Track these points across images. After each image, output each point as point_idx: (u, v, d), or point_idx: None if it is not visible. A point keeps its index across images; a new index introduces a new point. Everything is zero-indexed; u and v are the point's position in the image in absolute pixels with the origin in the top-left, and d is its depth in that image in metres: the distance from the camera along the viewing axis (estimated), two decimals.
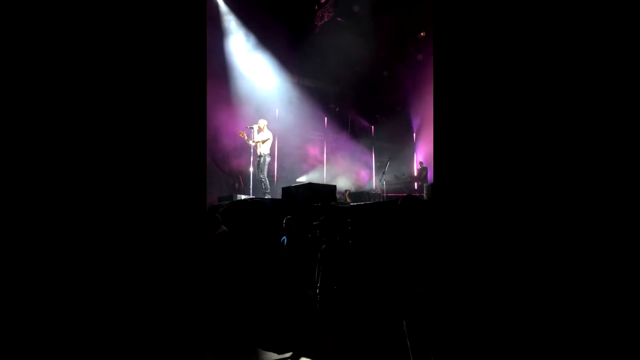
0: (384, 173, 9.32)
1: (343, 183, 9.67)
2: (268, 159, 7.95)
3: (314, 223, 4.68)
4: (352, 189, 9.58)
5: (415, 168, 9.95)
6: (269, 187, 7.98)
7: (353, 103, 12.43)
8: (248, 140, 7.93)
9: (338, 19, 10.77)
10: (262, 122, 7.98)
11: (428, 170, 9.71)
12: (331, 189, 6.64)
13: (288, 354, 4.60)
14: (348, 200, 8.39)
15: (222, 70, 9.77)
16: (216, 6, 9.82)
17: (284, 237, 5.10)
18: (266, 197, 7.57)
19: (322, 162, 11.12)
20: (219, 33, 9.89)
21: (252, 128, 7.97)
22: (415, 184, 9.31)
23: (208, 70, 2.29)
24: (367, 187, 10.07)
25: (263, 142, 7.85)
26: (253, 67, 10.17)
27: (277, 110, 10.35)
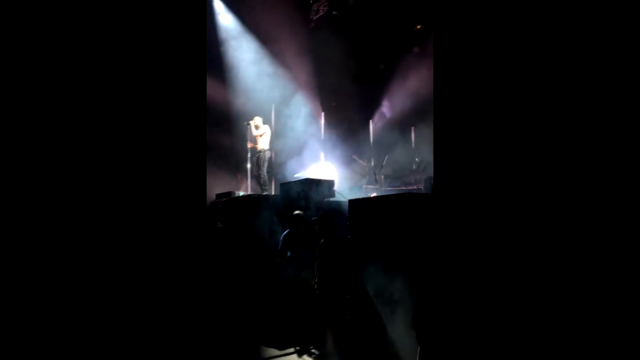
0: (382, 167, 9.31)
1: (342, 177, 9.65)
2: (268, 154, 7.95)
3: (312, 219, 4.68)
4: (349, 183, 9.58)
5: (414, 162, 9.93)
6: (267, 183, 7.97)
7: (350, 97, 12.39)
8: (255, 145, 7.96)
9: (333, 12, 10.70)
10: (258, 119, 7.98)
11: (425, 164, 9.73)
12: (330, 183, 6.63)
13: (289, 350, 4.61)
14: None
15: (215, 66, 9.72)
16: (210, 2, 9.75)
17: (285, 232, 5.09)
18: (264, 194, 7.56)
19: (320, 157, 11.09)
20: (214, 29, 9.83)
21: (250, 124, 7.97)
22: (413, 177, 9.30)
23: None
24: (365, 182, 10.05)
25: (261, 136, 7.86)
26: (248, 64, 10.12)
27: (273, 105, 10.31)
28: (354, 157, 10.40)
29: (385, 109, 12.03)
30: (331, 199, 6.34)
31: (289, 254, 4.92)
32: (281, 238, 5.10)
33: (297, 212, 5.13)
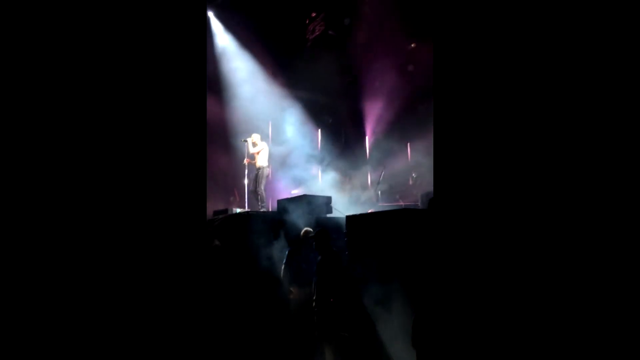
0: (378, 183, 9.32)
1: (338, 193, 9.65)
2: (267, 171, 7.96)
3: (309, 235, 4.67)
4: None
5: (410, 177, 9.97)
6: (264, 199, 7.96)
7: (346, 114, 12.51)
8: (252, 162, 7.98)
9: (329, 32, 10.90)
10: (256, 136, 8.03)
11: (422, 179, 9.76)
12: (327, 200, 6.63)
13: None
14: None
15: (213, 85, 9.81)
16: (207, 20, 9.91)
17: (288, 249, 5.07)
18: (262, 210, 7.54)
19: (317, 174, 11.11)
20: (210, 47, 9.96)
21: (247, 141, 8.01)
22: (410, 193, 9.32)
23: None
24: (362, 198, 10.05)
25: (258, 153, 7.89)
26: (245, 82, 10.23)
27: (270, 122, 10.39)
28: (339, 173, 10.47)
29: (379, 125, 12.14)
30: (328, 215, 6.34)
31: (291, 272, 4.89)
32: (285, 254, 5.07)
33: (307, 228, 5.11)
